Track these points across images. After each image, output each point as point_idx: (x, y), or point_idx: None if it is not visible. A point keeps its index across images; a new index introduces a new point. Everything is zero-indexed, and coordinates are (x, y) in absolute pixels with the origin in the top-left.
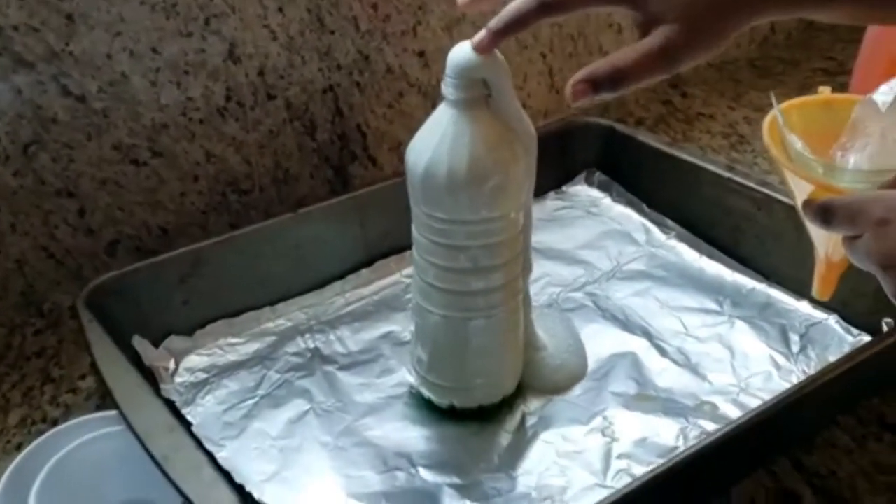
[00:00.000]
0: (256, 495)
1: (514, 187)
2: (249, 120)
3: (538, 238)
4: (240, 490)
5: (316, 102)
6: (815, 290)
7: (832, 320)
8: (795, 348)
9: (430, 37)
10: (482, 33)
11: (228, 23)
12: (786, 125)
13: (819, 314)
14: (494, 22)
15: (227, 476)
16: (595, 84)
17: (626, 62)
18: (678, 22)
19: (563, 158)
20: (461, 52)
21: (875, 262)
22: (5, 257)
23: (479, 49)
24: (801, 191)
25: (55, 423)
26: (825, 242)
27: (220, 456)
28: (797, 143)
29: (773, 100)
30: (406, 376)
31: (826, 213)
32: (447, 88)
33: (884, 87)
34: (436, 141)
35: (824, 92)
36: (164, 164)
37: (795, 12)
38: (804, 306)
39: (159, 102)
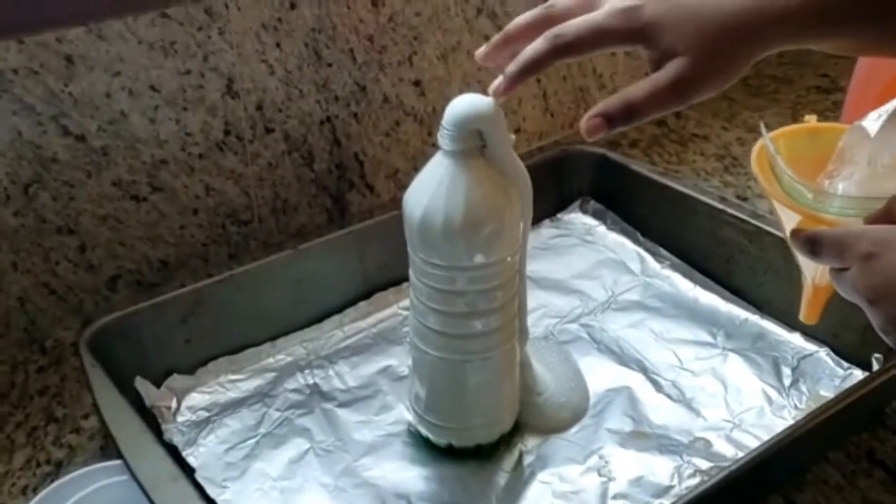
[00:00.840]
0: None
1: (510, 232)
2: (248, 153)
3: (534, 267)
4: None
5: (314, 134)
6: (803, 315)
7: (823, 353)
8: (787, 382)
9: (425, 66)
10: (499, 80)
11: (226, 58)
12: (777, 152)
13: (810, 346)
14: (511, 67)
15: None
16: (609, 118)
17: (638, 96)
18: (689, 55)
19: (557, 186)
20: (458, 105)
21: (862, 295)
22: (7, 295)
23: (497, 94)
24: (789, 219)
25: (59, 464)
26: (812, 269)
27: (223, 499)
28: (787, 170)
29: (763, 129)
30: (404, 413)
31: (814, 244)
32: (443, 140)
33: (872, 114)
34: (432, 190)
35: (810, 120)
36: (164, 198)
37: (802, 43)
38: (796, 338)
39: (158, 139)
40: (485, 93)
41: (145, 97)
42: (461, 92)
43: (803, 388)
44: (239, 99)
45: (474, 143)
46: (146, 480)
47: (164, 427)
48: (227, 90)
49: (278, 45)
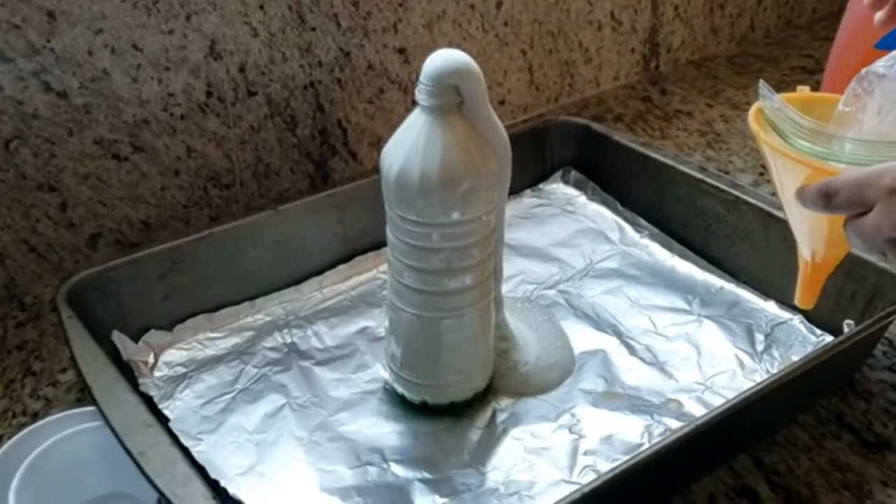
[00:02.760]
0: (231, 491)
1: (486, 191)
2: (230, 116)
3: (514, 235)
4: (214, 485)
5: (297, 98)
6: (799, 299)
7: (796, 320)
8: (760, 347)
9: (410, 34)
10: None
11: (209, 19)
12: (783, 103)
13: (784, 314)
14: None
15: (202, 471)
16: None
17: None
18: None
19: (540, 156)
20: (435, 59)
21: (886, 236)
22: None
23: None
24: (790, 180)
25: (35, 415)
26: (814, 241)
27: (197, 450)
28: (794, 115)
29: (762, 86)
30: (380, 372)
31: (828, 193)
32: (421, 95)
33: (880, 60)
34: (409, 145)
35: (804, 90)
36: (146, 158)
37: None
38: (770, 306)
39: (140, 98)
40: None
41: (128, 56)
42: None
43: (776, 354)
44: (222, 61)
45: (452, 98)
46: (119, 426)
47: (140, 381)
48: (209, 51)
49: (262, 7)
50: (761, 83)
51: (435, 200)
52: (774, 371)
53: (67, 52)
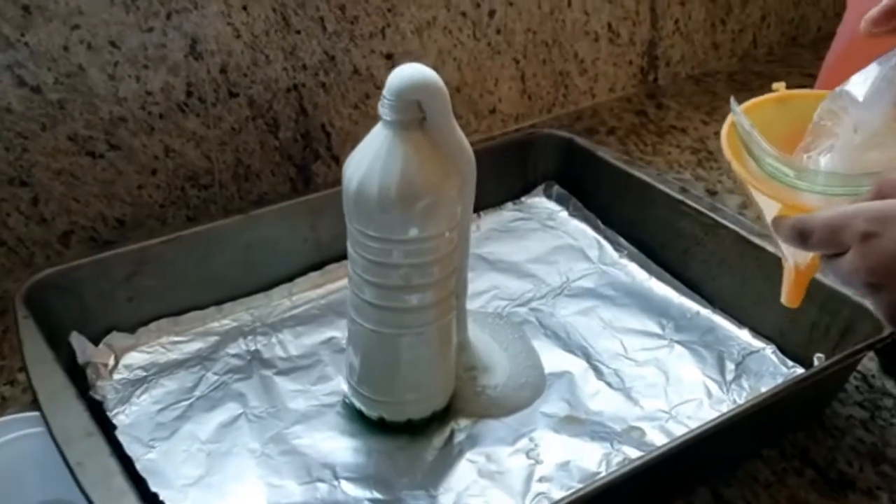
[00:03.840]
0: None
1: (446, 208)
2: (210, 116)
3: (491, 249)
4: (154, 497)
5: (279, 101)
6: (785, 298)
7: (769, 350)
8: (730, 377)
9: (399, 39)
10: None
11: (190, 19)
12: (752, 127)
13: (757, 343)
14: None
15: (143, 483)
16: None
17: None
18: None
19: (523, 169)
20: (399, 74)
21: (862, 280)
22: None
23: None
24: (768, 205)
25: None
26: (795, 253)
27: (148, 458)
28: (762, 143)
29: (733, 103)
30: (341, 385)
31: (802, 232)
32: (383, 109)
33: (855, 78)
34: (369, 159)
35: (779, 88)
36: (122, 156)
37: None
38: (744, 334)
39: (117, 96)
40: (460, 70)
41: (104, 52)
42: (434, 69)
43: (745, 384)
44: (202, 60)
45: (413, 114)
46: (60, 434)
47: (98, 384)
48: (190, 51)
49: (245, 8)
50: (732, 100)
51: (393, 215)
52: (741, 401)
53: (42, 47)
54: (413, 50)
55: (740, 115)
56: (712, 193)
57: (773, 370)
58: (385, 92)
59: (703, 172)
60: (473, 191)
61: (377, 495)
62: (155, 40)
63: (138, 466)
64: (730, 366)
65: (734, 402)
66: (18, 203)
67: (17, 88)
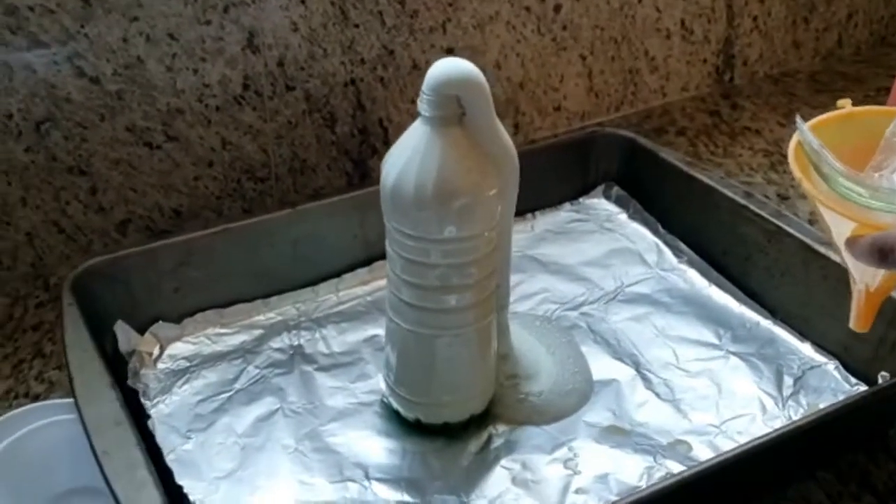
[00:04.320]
0: (192, 498)
1: (485, 208)
2: (267, 109)
3: (544, 250)
4: (179, 490)
5: (337, 95)
6: (853, 323)
7: (831, 366)
8: (787, 392)
9: (459, 34)
10: None
11: (248, 12)
12: (821, 146)
13: (819, 358)
14: None
15: (169, 475)
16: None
17: None
18: None
19: (584, 169)
20: (437, 69)
21: None
22: (16, 230)
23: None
24: (837, 224)
25: (37, 398)
26: (866, 273)
27: (184, 448)
28: (834, 162)
29: (798, 121)
30: (381, 383)
31: (882, 249)
32: (422, 105)
33: None
34: (407, 156)
35: (845, 105)
36: (179, 148)
37: None
38: (806, 348)
39: (175, 87)
40: (524, 66)
41: (163, 45)
42: (497, 64)
43: (802, 401)
44: (260, 54)
45: (452, 110)
46: (90, 421)
47: (142, 372)
48: (247, 44)
49: (303, 1)
50: (797, 119)
51: (430, 214)
52: (797, 418)
53: (102, 39)
54: (475, 45)
55: (807, 133)
56: (784, 198)
57: (835, 387)
58: (423, 87)
59: (775, 176)
60: (516, 191)
61: (407, 498)
62: (213, 33)
63: (172, 457)
64: (788, 381)
65: (789, 418)
66: (77, 192)
67: (76, 79)
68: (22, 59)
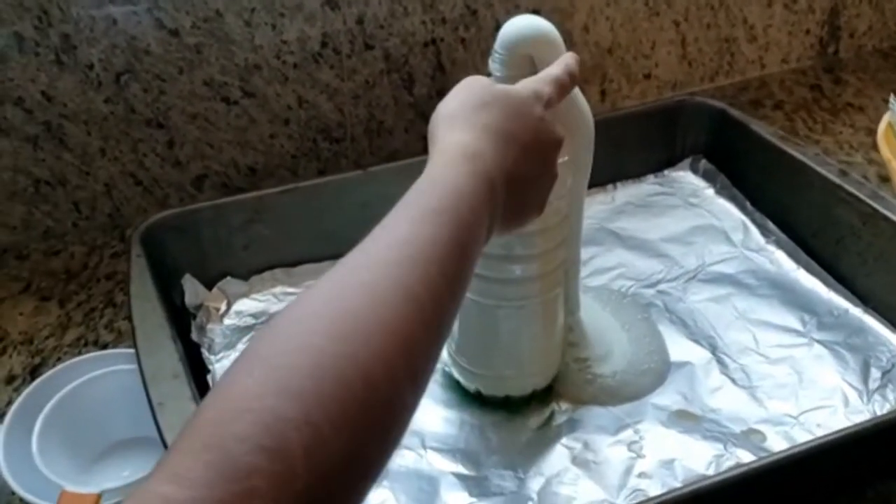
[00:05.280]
0: None
1: None
2: (345, 68)
3: (623, 224)
4: None
5: (416, 56)
6: None
7: None
8: (874, 385)
9: None
10: None
11: None
12: None
13: None
14: None
15: None
16: None
17: None
18: None
19: (670, 140)
20: (510, 27)
21: None
22: (95, 180)
23: None
24: None
25: (105, 346)
26: None
27: None
28: None
29: (892, 101)
30: (445, 353)
31: None
32: (493, 64)
33: None
34: None
35: None
36: (255, 104)
37: None
38: None
39: (253, 43)
40: (613, 30)
41: None
42: (584, 27)
43: (889, 395)
44: (339, 11)
45: (525, 70)
46: (148, 372)
47: (209, 327)
48: (327, 0)
49: None
50: (892, 98)
51: None
52: (883, 413)
53: None
54: (562, 6)
55: None
56: (885, 180)
57: None
58: (496, 45)
59: (876, 156)
60: (590, 160)
61: (462, 470)
62: None
63: None
64: (875, 373)
65: (874, 413)
66: (155, 145)
67: (156, 31)
68: (103, 10)
